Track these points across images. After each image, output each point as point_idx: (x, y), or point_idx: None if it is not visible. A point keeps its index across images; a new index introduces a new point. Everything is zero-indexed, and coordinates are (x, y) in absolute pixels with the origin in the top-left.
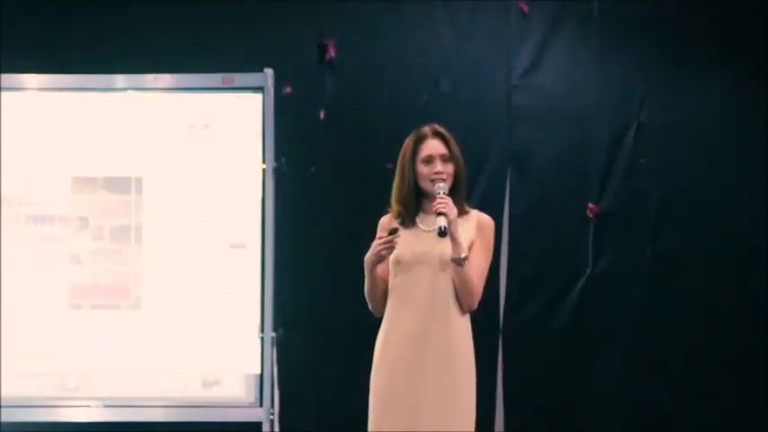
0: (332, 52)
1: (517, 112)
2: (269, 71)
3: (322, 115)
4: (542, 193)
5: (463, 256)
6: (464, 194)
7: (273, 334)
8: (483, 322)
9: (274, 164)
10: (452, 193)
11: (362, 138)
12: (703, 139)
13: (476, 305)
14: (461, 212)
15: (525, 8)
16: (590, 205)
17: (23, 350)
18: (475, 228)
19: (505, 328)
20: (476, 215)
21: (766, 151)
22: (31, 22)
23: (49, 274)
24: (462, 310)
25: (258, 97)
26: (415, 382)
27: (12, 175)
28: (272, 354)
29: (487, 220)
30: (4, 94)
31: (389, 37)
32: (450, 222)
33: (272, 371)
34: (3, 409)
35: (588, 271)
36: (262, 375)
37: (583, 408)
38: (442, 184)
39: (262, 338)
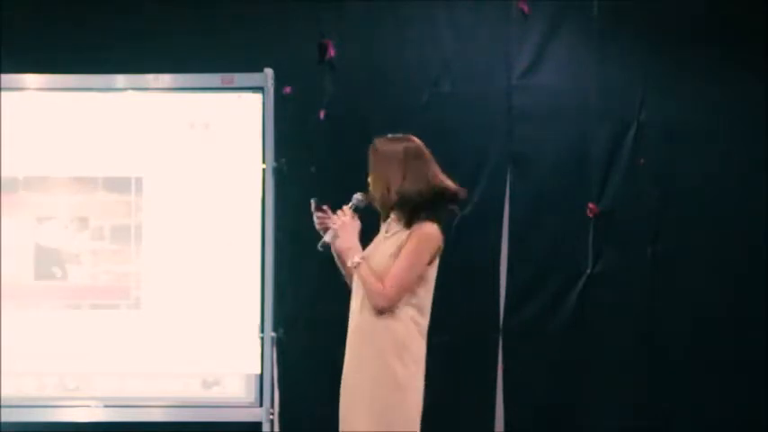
0: (332, 52)
1: (517, 112)
2: (269, 71)
3: (322, 115)
4: (542, 193)
5: (351, 262)
6: (411, 206)
7: (273, 334)
8: (483, 322)
9: (274, 164)
10: (399, 204)
11: (362, 138)
12: (703, 139)
13: (382, 306)
14: (410, 224)
15: (525, 8)
16: (590, 205)
17: (23, 350)
18: (407, 236)
19: (505, 328)
20: (418, 226)
21: (766, 151)
22: (31, 22)
23: (48, 274)
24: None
25: (258, 97)
26: (346, 382)
27: (12, 174)
28: (272, 354)
29: (420, 227)
30: (4, 94)
31: (389, 37)
32: (334, 233)
33: (272, 371)
34: (3, 409)
35: (588, 271)
36: (262, 375)
37: (583, 408)
38: (357, 195)
39: (262, 338)
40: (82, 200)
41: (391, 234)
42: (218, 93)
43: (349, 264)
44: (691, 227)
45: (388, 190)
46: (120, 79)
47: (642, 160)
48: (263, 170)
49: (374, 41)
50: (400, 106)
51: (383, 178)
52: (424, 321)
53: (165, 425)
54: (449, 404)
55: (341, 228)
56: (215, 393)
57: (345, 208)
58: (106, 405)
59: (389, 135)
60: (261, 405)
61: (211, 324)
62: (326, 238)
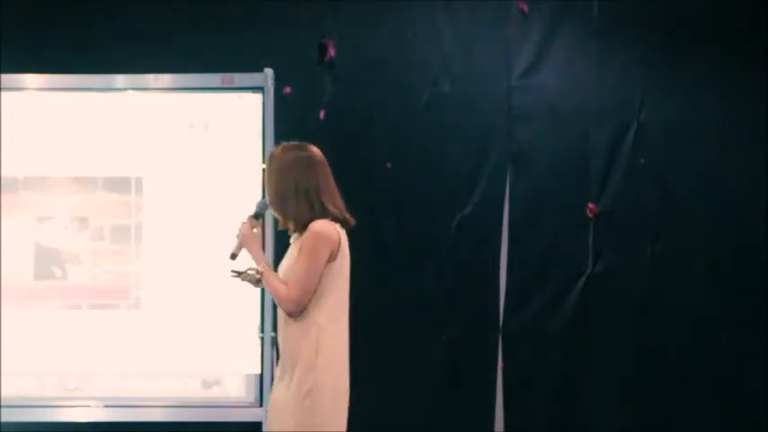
0: (332, 52)
1: (517, 112)
2: (269, 71)
3: (322, 115)
4: (542, 193)
5: (256, 272)
6: (293, 212)
7: (273, 334)
8: (483, 322)
9: None
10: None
11: (362, 138)
12: (703, 139)
13: (290, 310)
14: (301, 229)
15: (525, 8)
16: (590, 205)
17: (23, 350)
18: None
19: (505, 328)
20: (310, 226)
21: (766, 151)
22: (31, 23)
23: (48, 274)
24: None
25: (258, 97)
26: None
27: (12, 174)
28: (272, 354)
29: (311, 226)
30: (4, 94)
31: (389, 37)
32: (241, 244)
33: (272, 371)
34: (3, 409)
35: (588, 271)
36: (262, 375)
37: (583, 408)
38: (258, 202)
39: (262, 338)
40: (82, 200)
41: (294, 238)
42: (218, 93)
43: (257, 273)
44: (691, 227)
45: (282, 200)
46: (120, 79)
47: (642, 160)
48: (263, 170)
49: (374, 41)
50: (400, 106)
51: (273, 184)
52: (341, 319)
53: (165, 425)
54: (449, 404)
55: (242, 240)
56: (215, 393)
57: (246, 219)
58: (106, 405)
59: (284, 143)
60: (261, 405)
61: (211, 324)
62: (233, 249)
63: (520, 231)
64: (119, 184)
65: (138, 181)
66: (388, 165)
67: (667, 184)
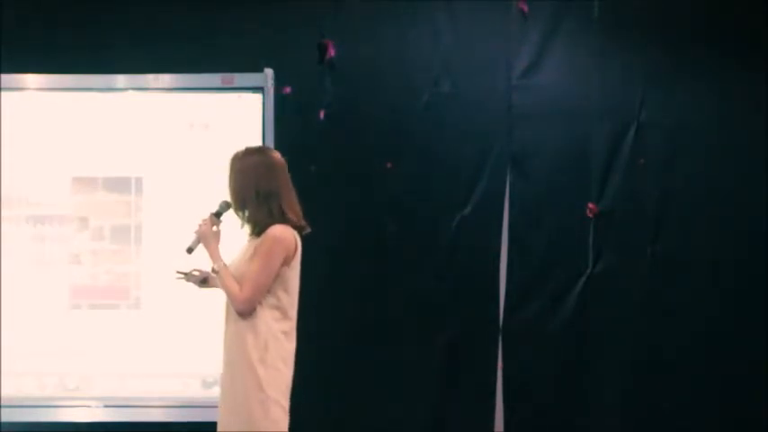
0: (332, 52)
1: (517, 112)
2: (269, 71)
3: (322, 115)
4: (542, 193)
5: (211, 269)
6: (252, 216)
7: None
8: (483, 322)
9: None
10: (247, 219)
11: (362, 138)
12: (703, 139)
13: (241, 309)
14: (258, 233)
15: (525, 8)
16: (590, 205)
17: (23, 350)
18: (260, 240)
19: (505, 328)
20: (269, 229)
21: (766, 151)
22: (31, 22)
23: (49, 274)
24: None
25: (258, 97)
26: (221, 387)
27: (12, 175)
28: None
29: (270, 230)
30: (4, 94)
31: (389, 37)
32: (200, 240)
33: None
34: (3, 409)
35: (588, 271)
36: None
37: (583, 408)
38: (221, 201)
39: None
40: (82, 200)
41: (250, 240)
42: (218, 93)
43: (210, 271)
44: (691, 227)
45: (242, 202)
46: (120, 79)
47: (642, 160)
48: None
49: (374, 41)
50: (400, 106)
51: (233, 187)
52: (289, 322)
53: (165, 425)
54: (449, 404)
55: (200, 236)
56: (215, 393)
57: (207, 216)
58: (106, 405)
59: (247, 146)
60: None
61: (211, 324)
62: (190, 243)
63: (520, 231)
64: (119, 184)
65: (138, 181)
66: (388, 165)
67: (667, 184)
